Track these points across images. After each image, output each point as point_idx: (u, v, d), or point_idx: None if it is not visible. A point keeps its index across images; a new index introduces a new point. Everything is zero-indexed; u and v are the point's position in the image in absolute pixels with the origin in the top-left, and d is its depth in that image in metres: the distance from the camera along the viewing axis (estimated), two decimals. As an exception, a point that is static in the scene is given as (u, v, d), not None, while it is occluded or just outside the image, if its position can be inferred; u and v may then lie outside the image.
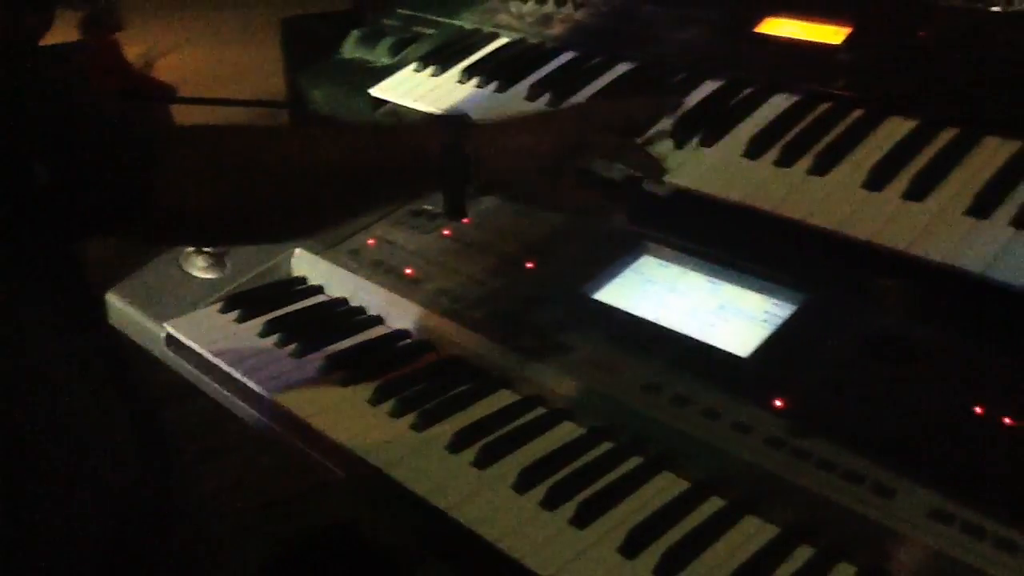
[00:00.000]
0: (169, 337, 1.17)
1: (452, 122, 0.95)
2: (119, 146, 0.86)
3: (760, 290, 1.06)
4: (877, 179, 0.86)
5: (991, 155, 0.87)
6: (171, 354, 1.17)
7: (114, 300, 1.25)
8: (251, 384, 1.06)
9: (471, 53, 1.28)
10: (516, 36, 1.29)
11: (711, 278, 1.10)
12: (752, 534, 0.84)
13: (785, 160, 0.92)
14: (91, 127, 0.84)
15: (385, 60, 1.34)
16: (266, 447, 2.22)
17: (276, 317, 1.17)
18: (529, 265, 1.17)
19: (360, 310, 1.19)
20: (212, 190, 0.89)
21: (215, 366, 1.11)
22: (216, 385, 1.11)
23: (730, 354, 0.98)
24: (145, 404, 0.84)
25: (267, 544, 2.04)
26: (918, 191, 0.84)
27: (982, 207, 0.81)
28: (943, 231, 0.80)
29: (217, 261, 1.27)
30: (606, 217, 1.01)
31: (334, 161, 0.93)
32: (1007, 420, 0.85)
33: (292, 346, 1.11)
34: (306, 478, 2.05)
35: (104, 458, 0.79)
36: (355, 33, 1.39)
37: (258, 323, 1.16)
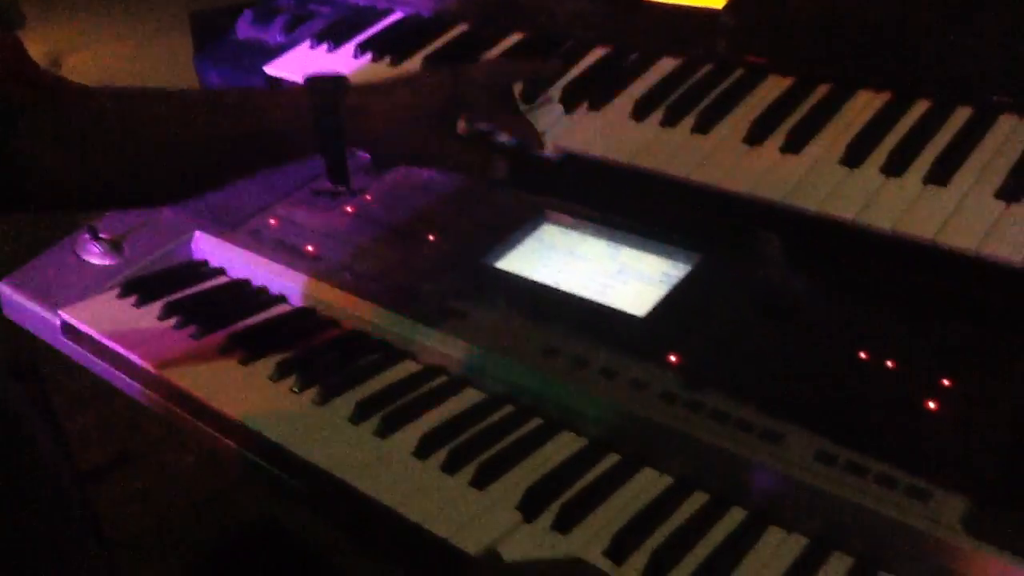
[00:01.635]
0: (64, 324, 1.14)
1: (326, 83, 0.94)
2: None
3: (657, 252, 1.08)
4: (756, 135, 0.89)
5: (863, 108, 0.90)
6: (68, 343, 1.15)
7: (7, 290, 1.22)
8: (148, 367, 1.04)
9: (365, 29, 1.27)
10: (410, 11, 1.29)
11: (611, 243, 1.12)
12: (648, 485, 0.85)
13: (669, 121, 0.93)
14: None
15: (279, 38, 1.32)
16: (189, 447, 2.20)
17: (175, 300, 1.15)
18: (431, 238, 1.17)
19: (262, 290, 1.18)
20: (74, 152, 0.86)
21: (112, 351, 1.09)
22: (114, 371, 1.09)
23: (627, 314, 1.00)
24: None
25: (191, 542, 2.02)
26: (794, 145, 0.86)
27: (854, 157, 0.84)
28: (818, 182, 0.82)
29: (114, 247, 1.24)
30: (493, 177, 1.01)
31: (207, 124, 0.91)
32: (889, 364, 0.88)
33: (192, 328, 1.10)
34: (229, 476, 2.04)
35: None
36: (248, 12, 1.37)
37: (157, 307, 1.14)
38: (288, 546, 1.83)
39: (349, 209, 1.25)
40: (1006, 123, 0.84)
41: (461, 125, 1.02)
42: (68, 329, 1.14)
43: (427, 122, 0.96)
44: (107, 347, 1.09)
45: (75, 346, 1.14)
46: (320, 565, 1.75)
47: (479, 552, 0.78)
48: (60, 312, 1.14)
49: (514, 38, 1.15)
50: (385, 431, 0.92)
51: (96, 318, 1.13)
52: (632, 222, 1.11)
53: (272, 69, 1.26)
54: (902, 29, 0.93)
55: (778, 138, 0.88)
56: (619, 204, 1.11)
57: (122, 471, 2.14)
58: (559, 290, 1.05)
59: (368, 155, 1.30)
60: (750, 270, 0.96)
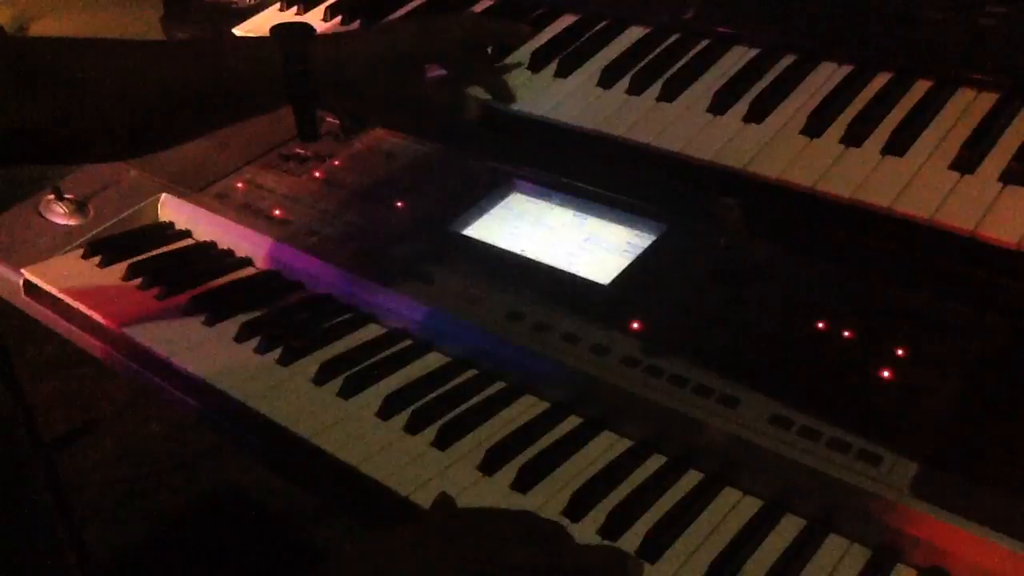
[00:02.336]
0: (27, 283, 1.13)
1: (293, 32, 0.94)
2: None
3: (623, 222, 1.09)
4: (720, 104, 0.89)
5: (826, 78, 0.91)
6: (31, 302, 1.14)
7: (-31, 249, 1.21)
8: (112, 326, 1.04)
9: (336, -9, 1.26)
10: (381, -27, 1.28)
11: (578, 212, 1.13)
12: (607, 447, 0.87)
13: (635, 88, 0.94)
14: None
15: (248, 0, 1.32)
16: (154, 413, 2.19)
17: (140, 261, 1.14)
18: (399, 204, 1.17)
19: (228, 252, 1.18)
20: (37, 102, 0.85)
21: (76, 311, 1.08)
22: (77, 330, 1.09)
23: (592, 282, 1.01)
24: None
25: (155, 511, 2.01)
26: (757, 114, 0.87)
27: (815, 127, 0.85)
28: (779, 150, 0.83)
29: (79, 207, 1.24)
30: (467, 119, 1.00)
31: (174, 74, 0.90)
32: (846, 333, 0.90)
33: (157, 289, 1.09)
34: (198, 443, 2.04)
35: None
36: (219, -27, 1.36)
37: (122, 267, 1.14)
38: (253, 515, 1.83)
39: (317, 174, 1.25)
40: (963, 96, 0.86)
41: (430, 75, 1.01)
42: (31, 288, 1.13)
43: (397, 67, 0.95)
44: (71, 306, 1.09)
45: (38, 306, 1.13)
46: (285, 534, 1.76)
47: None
48: (23, 271, 1.13)
49: (485, 3, 1.15)
50: (349, 392, 0.93)
51: (60, 278, 1.12)
52: (600, 192, 1.12)
53: (241, 30, 1.25)
54: (865, 2, 0.94)
55: (741, 107, 0.88)
56: (588, 171, 1.11)
57: (86, 440, 2.13)
58: (525, 257, 1.06)
59: (339, 120, 1.30)
60: (713, 239, 0.97)
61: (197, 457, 2.04)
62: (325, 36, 0.94)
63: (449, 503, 0.71)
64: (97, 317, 1.05)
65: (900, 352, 0.87)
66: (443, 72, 1.00)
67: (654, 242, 1.05)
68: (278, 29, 0.94)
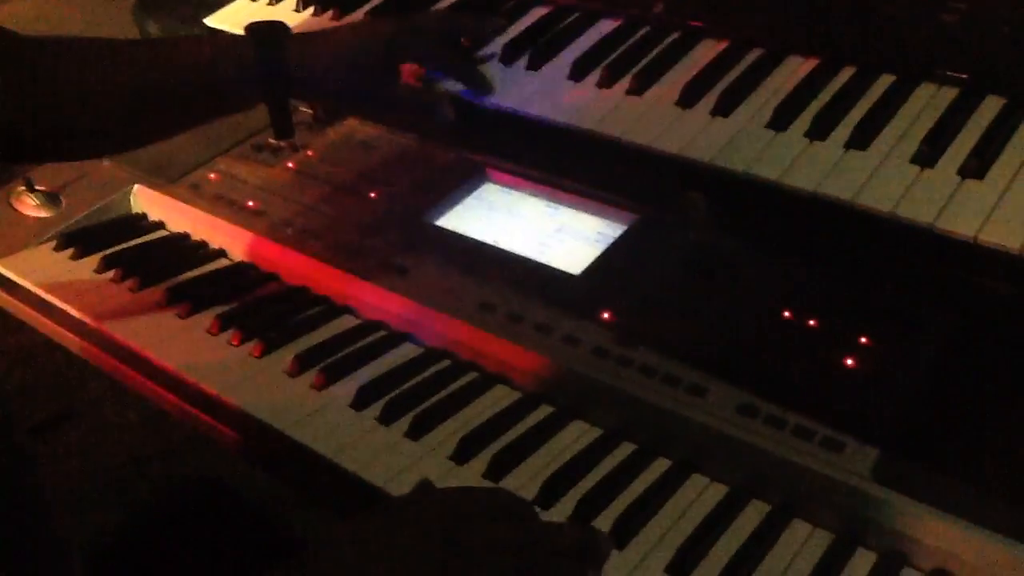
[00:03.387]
0: (-1, 276, 1.13)
1: (268, 30, 0.94)
2: None
3: (595, 212, 1.10)
4: (688, 98, 0.91)
5: (792, 73, 0.93)
6: (3, 295, 1.14)
7: (-62, 243, 1.20)
8: (86, 319, 1.04)
9: (309, -20, 1.26)
10: (356, -36, 1.28)
11: (550, 202, 1.14)
12: (578, 436, 0.88)
13: (605, 82, 0.95)
14: None
15: (221, -11, 1.31)
16: (132, 402, 2.18)
17: (114, 253, 1.14)
18: (372, 195, 1.18)
19: (202, 244, 1.18)
20: (9, 102, 0.85)
21: (49, 304, 1.08)
22: (51, 324, 1.09)
23: (563, 272, 1.02)
24: None
25: (132, 500, 2.01)
26: (724, 108, 0.89)
27: (781, 121, 0.86)
28: (745, 144, 0.85)
29: (51, 199, 1.23)
30: (440, 119, 1.01)
31: (149, 73, 0.90)
32: (812, 322, 0.92)
33: (131, 281, 1.09)
34: (175, 433, 2.03)
35: None
36: (190, -38, 1.35)
37: (95, 259, 1.14)
38: (231, 504, 1.83)
39: (291, 165, 1.25)
40: (925, 91, 0.87)
41: (405, 76, 1.02)
42: (3, 281, 1.13)
43: (371, 65, 0.96)
44: (43, 300, 1.09)
45: (10, 299, 1.13)
46: (264, 523, 1.77)
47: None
48: (-7, 264, 1.13)
49: (458, -4, 1.16)
50: (323, 383, 0.93)
51: (32, 270, 1.12)
52: (572, 183, 1.13)
53: (213, 21, 1.24)
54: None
55: (709, 101, 0.90)
56: (559, 163, 1.12)
57: (63, 428, 2.12)
58: (497, 248, 1.07)
59: (312, 110, 1.30)
60: (682, 230, 0.98)
61: (175, 446, 2.04)
62: (300, 35, 0.94)
63: (428, 488, 0.72)
64: (70, 310, 1.05)
65: (863, 341, 0.89)
66: (418, 69, 1.01)
67: (625, 232, 1.06)
68: (253, 27, 0.94)
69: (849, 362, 0.87)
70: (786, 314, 0.92)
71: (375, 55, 0.94)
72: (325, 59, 0.93)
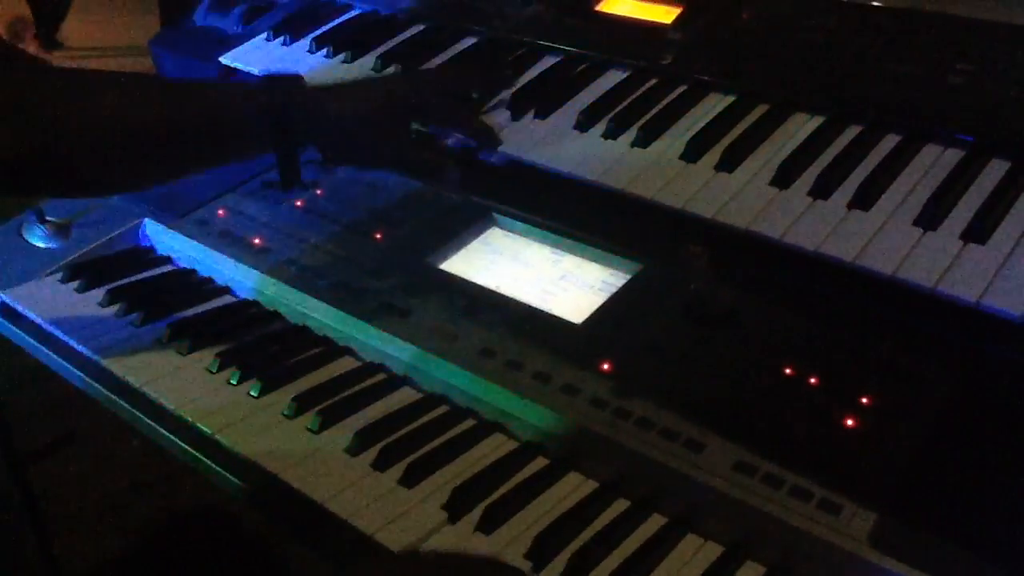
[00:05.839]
0: (4, 306, 1.14)
1: (283, 82, 0.95)
2: None
3: (600, 260, 1.10)
4: (693, 152, 0.91)
5: (797, 129, 0.93)
6: (8, 325, 1.14)
7: (-52, 271, 1.21)
8: (87, 353, 1.05)
9: (323, 24, 1.28)
10: (368, 8, 1.29)
11: (555, 249, 1.14)
12: (573, 489, 0.87)
13: (611, 133, 0.95)
14: None
15: (237, 28, 1.33)
16: (135, 429, 2.19)
17: (119, 286, 1.15)
18: (378, 236, 1.18)
19: (208, 280, 1.18)
20: (21, 132, 0.85)
21: (52, 335, 1.09)
22: (53, 355, 1.09)
23: (565, 321, 1.02)
24: None
25: (135, 525, 2.01)
26: (728, 164, 0.88)
27: (785, 178, 0.86)
28: (749, 201, 0.85)
29: (60, 230, 1.24)
30: (445, 180, 1.02)
31: (161, 114, 0.91)
32: (812, 380, 0.91)
33: (134, 315, 1.10)
34: (176, 460, 2.03)
35: None
36: (207, 0, 1.37)
37: (100, 292, 1.14)
38: (229, 533, 1.83)
39: (298, 203, 1.25)
40: (930, 152, 0.87)
41: (415, 128, 1.03)
42: (8, 312, 1.14)
43: (380, 125, 0.97)
44: (47, 332, 1.09)
45: (16, 329, 1.13)
46: (260, 554, 1.76)
47: (401, 549, 0.79)
48: (1, 294, 1.14)
49: (468, 41, 1.17)
50: (320, 427, 0.93)
51: (38, 301, 1.13)
52: (577, 230, 1.13)
53: (227, 59, 1.26)
54: (840, 55, 0.96)
55: (714, 155, 0.90)
56: (565, 211, 1.12)
57: (66, 451, 2.13)
58: (500, 294, 1.07)
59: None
60: (684, 282, 0.98)
61: (176, 472, 2.04)
62: (313, 89, 0.95)
63: (415, 554, 0.71)
64: (74, 344, 1.06)
65: (864, 400, 0.88)
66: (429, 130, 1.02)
67: (628, 282, 1.06)
68: (270, 79, 0.95)
69: (849, 422, 0.86)
70: (787, 371, 0.92)
71: (384, 111, 0.95)
72: (334, 117, 0.94)
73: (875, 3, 1.00)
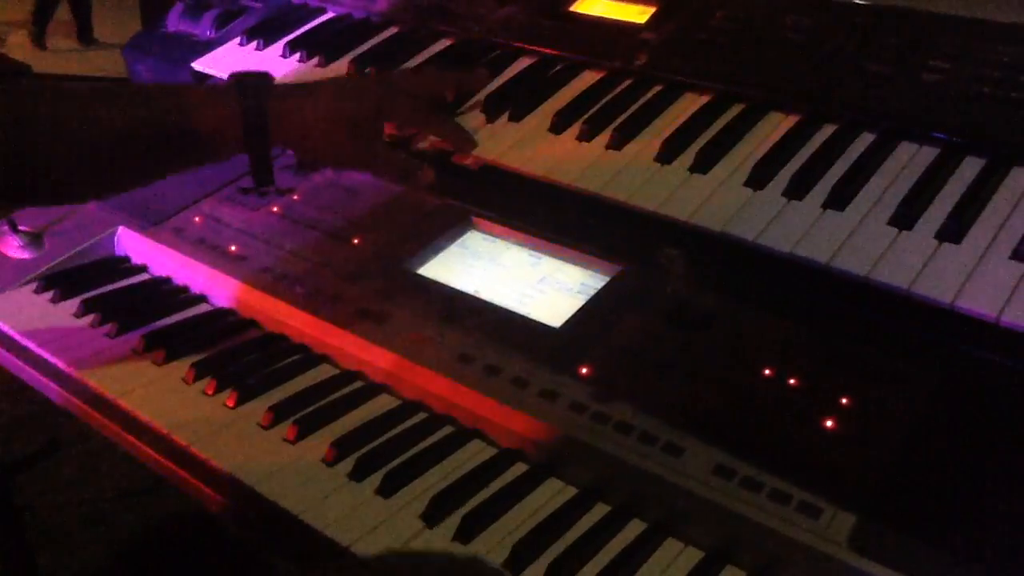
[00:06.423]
0: (-22, 319, 1.12)
1: (253, 83, 0.94)
2: None
3: (578, 262, 1.10)
4: (667, 154, 0.90)
5: (772, 129, 0.92)
6: (-19, 337, 1.13)
7: (-79, 282, 1.20)
8: (61, 365, 1.03)
9: (296, 28, 1.26)
10: (341, 11, 1.28)
11: (533, 252, 1.13)
12: (552, 495, 0.87)
13: (585, 136, 0.95)
14: None
15: (209, 33, 1.31)
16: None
17: (94, 296, 1.14)
18: (356, 241, 1.17)
19: (183, 289, 1.17)
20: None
21: (25, 348, 1.07)
22: (27, 368, 1.08)
23: (544, 325, 1.01)
24: None
25: (118, 534, 1.99)
26: (703, 165, 0.88)
27: (759, 179, 0.86)
28: (723, 202, 0.84)
29: (33, 240, 1.23)
30: (417, 182, 1.01)
31: (134, 119, 0.90)
32: (791, 382, 0.90)
33: (109, 326, 1.09)
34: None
35: None
36: (180, 5, 1.35)
37: (75, 303, 1.13)
38: (215, 541, 1.82)
39: (275, 209, 1.24)
40: (905, 150, 0.87)
41: (388, 130, 1.02)
42: (-18, 324, 1.12)
43: (352, 127, 0.96)
44: (21, 344, 1.08)
45: (-11, 341, 1.12)
46: (246, 562, 1.75)
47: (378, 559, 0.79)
48: (-28, 306, 1.12)
49: (443, 43, 1.16)
50: (296, 436, 0.92)
51: (11, 313, 1.11)
52: (555, 233, 1.12)
53: (200, 65, 1.25)
54: (814, 54, 0.95)
55: (688, 157, 0.89)
56: (542, 214, 1.12)
57: (51, 460, 2.11)
58: (478, 298, 1.06)
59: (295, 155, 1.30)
60: (662, 284, 0.97)
61: (159, 481, 2.03)
62: (284, 88, 0.94)
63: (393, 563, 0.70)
64: (47, 356, 1.05)
65: (843, 402, 0.87)
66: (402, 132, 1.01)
67: (607, 284, 1.05)
68: (238, 77, 0.93)
69: (829, 423, 0.86)
70: (765, 373, 0.91)
71: (356, 112, 0.94)
72: (305, 118, 0.93)
73: (849, 1, 0.99)
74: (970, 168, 0.84)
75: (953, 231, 0.77)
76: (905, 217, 0.79)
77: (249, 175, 1.28)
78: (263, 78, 0.95)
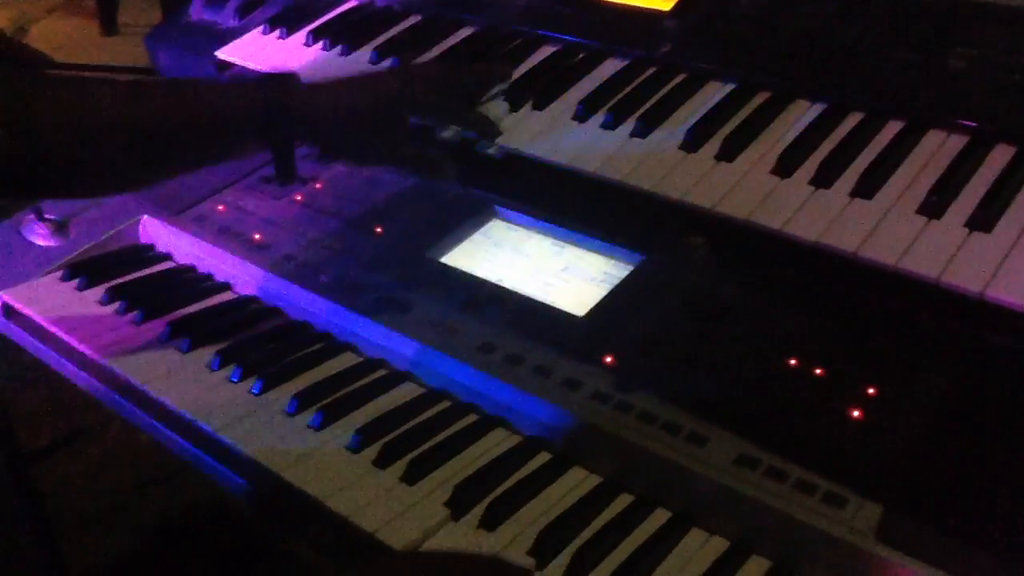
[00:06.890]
0: (5, 306, 1.13)
1: (277, 79, 0.94)
2: None
3: (602, 251, 1.10)
4: (692, 142, 0.90)
5: (798, 117, 0.91)
6: (9, 324, 1.14)
7: (-52, 271, 1.21)
8: (87, 352, 1.04)
9: (319, 16, 1.26)
10: (364, 0, 1.28)
11: (556, 241, 1.13)
12: (576, 484, 0.87)
13: (609, 124, 0.94)
14: None
15: (232, 22, 1.32)
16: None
17: (119, 284, 1.15)
18: (378, 230, 1.17)
19: (207, 277, 1.18)
20: (20, 133, 0.84)
21: (52, 335, 1.08)
22: (54, 354, 1.09)
23: (567, 313, 1.01)
24: None
25: (141, 524, 2.01)
26: (728, 153, 0.87)
27: (786, 167, 0.85)
28: (749, 191, 0.84)
29: (59, 228, 1.24)
30: (442, 175, 1.02)
31: (157, 113, 0.90)
32: (816, 371, 0.90)
33: (134, 313, 1.09)
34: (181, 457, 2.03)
35: None
36: (203, -6, 1.36)
37: (100, 291, 1.14)
38: (234, 531, 1.83)
39: (298, 198, 1.25)
40: (933, 139, 0.86)
41: (412, 122, 1.02)
42: (9, 311, 1.13)
43: (375, 120, 0.96)
44: (48, 330, 1.09)
45: (16, 328, 1.13)
46: (266, 552, 1.76)
47: (404, 547, 0.79)
48: (1, 294, 1.13)
49: (465, 31, 1.16)
50: (321, 424, 0.93)
51: (38, 301, 1.13)
52: (578, 221, 1.12)
53: (224, 53, 1.25)
54: (840, 42, 0.94)
55: (713, 145, 0.89)
56: (566, 202, 1.11)
57: (72, 449, 2.13)
58: (502, 287, 1.06)
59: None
60: (687, 273, 0.97)
61: (182, 469, 2.04)
62: (307, 85, 0.94)
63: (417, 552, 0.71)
64: (74, 343, 1.06)
65: (869, 392, 0.87)
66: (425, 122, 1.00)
67: (631, 273, 1.05)
68: (264, 76, 0.94)
69: (855, 413, 0.85)
70: (790, 363, 0.91)
71: (380, 107, 0.94)
72: (329, 113, 0.93)
73: (876, -13, 0.98)
74: (1000, 156, 0.83)
75: (983, 220, 0.76)
76: (934, 206, 0.78)
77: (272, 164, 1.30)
78: (289, 77, 0.96)
